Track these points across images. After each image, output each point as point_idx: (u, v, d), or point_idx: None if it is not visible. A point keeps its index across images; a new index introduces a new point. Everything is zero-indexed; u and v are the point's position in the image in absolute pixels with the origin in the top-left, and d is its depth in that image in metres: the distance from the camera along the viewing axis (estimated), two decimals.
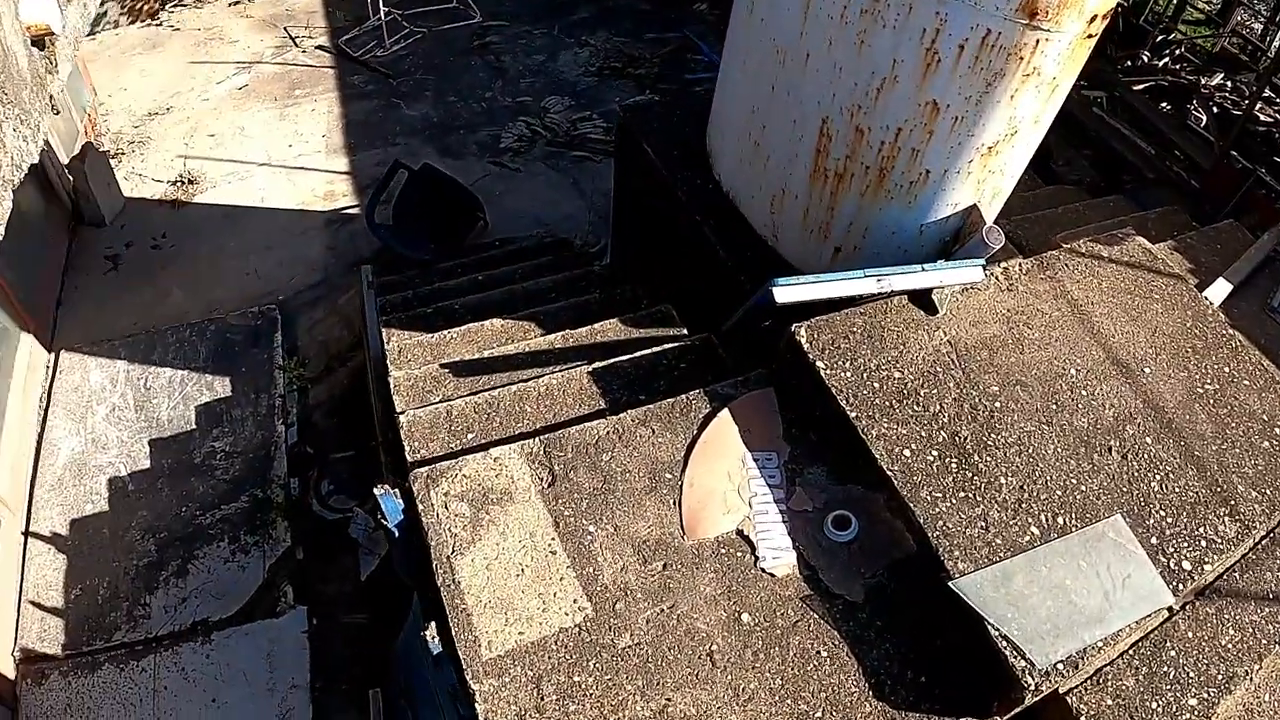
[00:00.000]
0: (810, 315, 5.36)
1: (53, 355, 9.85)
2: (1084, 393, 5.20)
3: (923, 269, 5.36)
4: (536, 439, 5.02)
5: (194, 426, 9.26)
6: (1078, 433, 5.00)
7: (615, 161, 8.79)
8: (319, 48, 14.91)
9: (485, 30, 15.07)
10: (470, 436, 5.42)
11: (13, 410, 8.88)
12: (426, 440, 5.44)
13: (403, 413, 5.62)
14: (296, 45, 15.06)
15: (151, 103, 13.82)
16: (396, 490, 4.83)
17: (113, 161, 12.38)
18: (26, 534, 8.26)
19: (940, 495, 4.62)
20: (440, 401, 5.92)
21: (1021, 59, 4.76)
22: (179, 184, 12.05)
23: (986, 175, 5.47)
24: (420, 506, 4.77)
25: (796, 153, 5.95)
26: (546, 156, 12.10)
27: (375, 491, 4.70)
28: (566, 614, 4.40)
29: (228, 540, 8.35)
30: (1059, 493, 4.71)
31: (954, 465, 4.73)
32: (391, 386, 6.27)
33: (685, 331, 6.63)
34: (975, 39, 4.71)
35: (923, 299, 5.56)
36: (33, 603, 7.80)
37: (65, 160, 11.24)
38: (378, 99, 13.46)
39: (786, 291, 5.07)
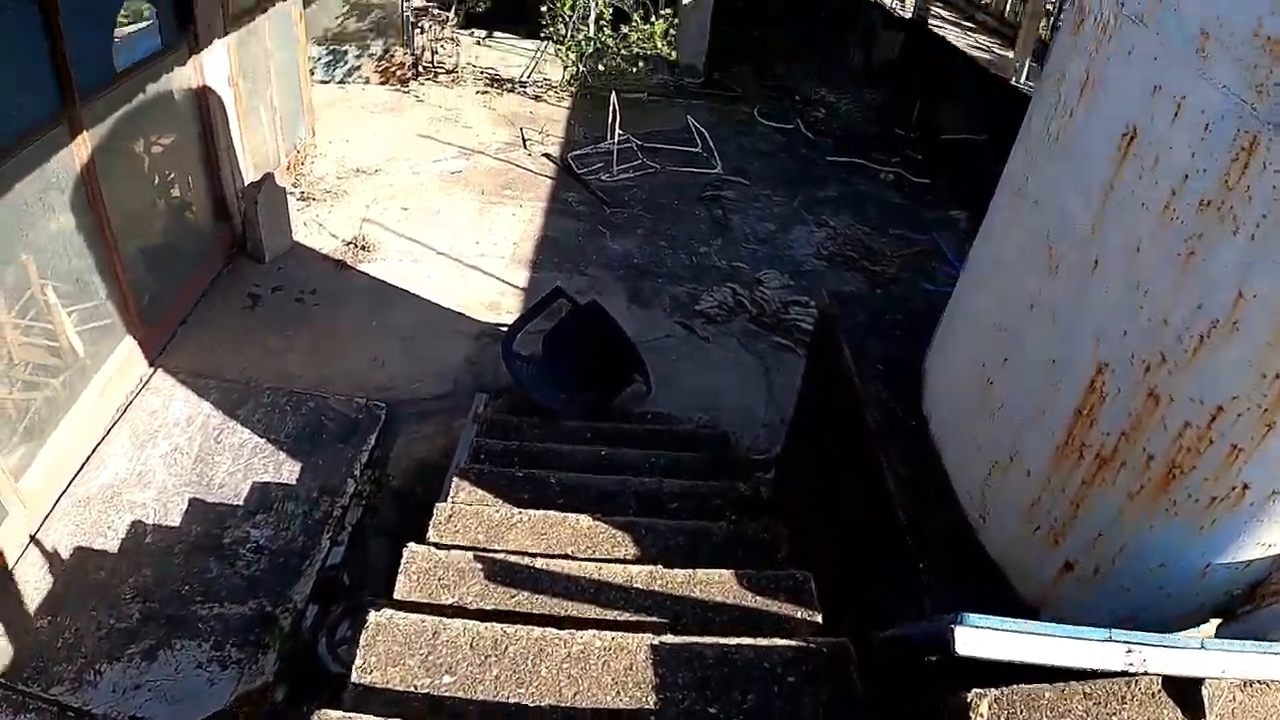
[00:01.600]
0: (1002, 678, 3.33)
1: (151, 370, 8.97)
2: None
3: (1202, 646, 3.24)
4: None
5: (241, 502, 7.93)
6: None
7: (807, 356, 7.04)
8: (546, 155, 13.93)
9: (721, 184, 13.75)
10: (446, 681, 3.59)
11: (83, 406, 8.09)
12: (386, 661, 3.66)
13: (379, 608, 3.88)
14: (525, 147, 14.18)
15: (364, 160, 13.22)
16: None
17: (301, 204, 11.67)
18: (33, 538, 7.26)
19: None
20: (449, 607, 4.16)
21: None
22: (352, 246, 11.12)
23: None
24: None
25: (1045, 408, 3.96)
26: (744, 334, 10.39)
27: None
28: None
29: (212, 644, 6.84)
30: None
31: None
32: (404, 560, 4.54)
33: (819, 619, 4.60)
34: None
35: (1186, 691, 3.43)
36: None
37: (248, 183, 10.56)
38: (584, 222, 12.21)
39: (978, 639, 3.04)
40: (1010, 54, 31.78)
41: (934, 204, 14.55)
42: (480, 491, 5.80)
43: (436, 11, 17.37)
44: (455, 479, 5.94)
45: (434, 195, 12.59)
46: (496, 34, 19.99)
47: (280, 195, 10.76)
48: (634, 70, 16.44)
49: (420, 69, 17.08)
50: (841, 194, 14.19)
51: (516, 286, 10.75)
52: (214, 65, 9.94)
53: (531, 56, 18.48)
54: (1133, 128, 3.40)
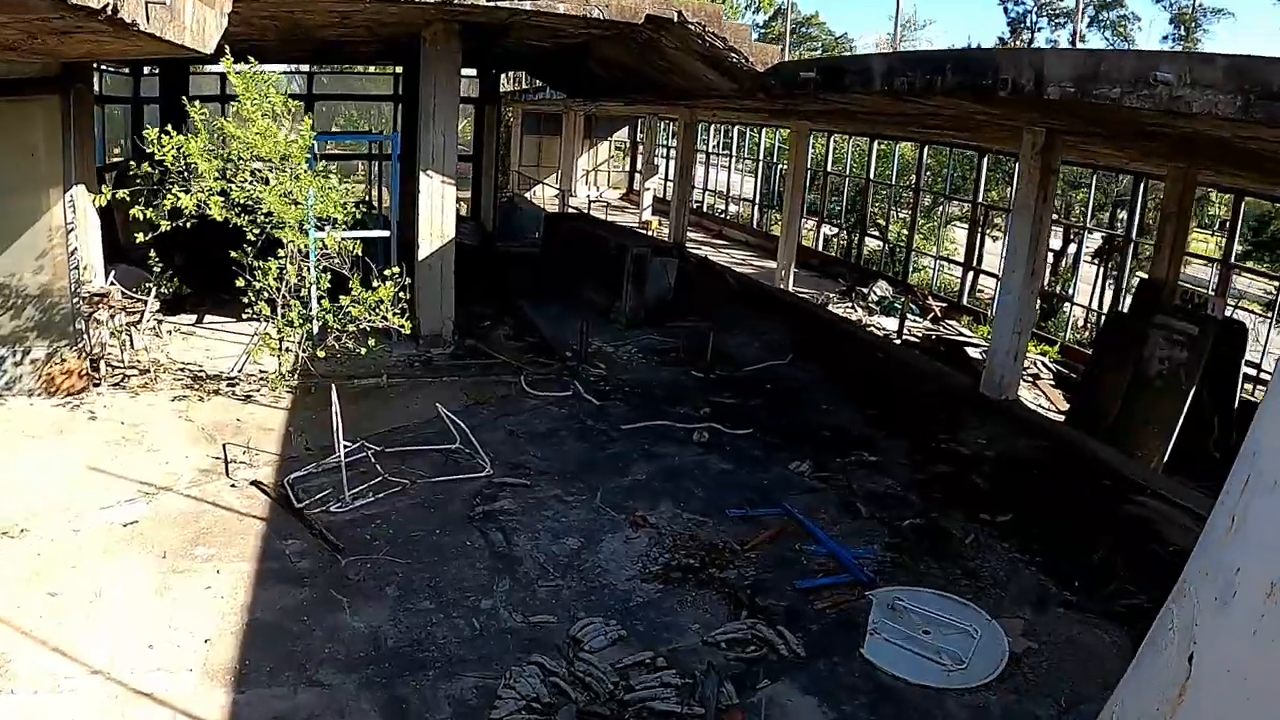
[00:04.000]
0: None
1: None
2: None
3: None
4: None
5: None
6: None
7: None
8: (255, 483, 10.34)
9: (495, 491, 10.39)
10: None
11: None
12: None
13: None
14: (228, 474, 10.55)
15: (7, 513, 9.40)
16: None
17: None
18: None
19: None
20: None
21: None
22: None
23: None
24: None
25: None
26: None
27: None
28: None
29: None
30: None
31: None
32: None
33: None
34: None
35: None
36: None
37: None
38: (310, 588, 8.45)
39: None
40: (773, 264, 30.76)
41: (766, 459, 11.81)
42: None
43: (120, 296, 13.80)
44: None
45: (96, 566, 8.67)
46: (210, 318, 16.48)
47: None
48: (363, 350, 13.10)
49: (103, 371, 13.31)
50: (652, 474, 11.12)
51: None
52: None
53: (246, 345, 14.98)
54: None
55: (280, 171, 12.70)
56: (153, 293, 14.45)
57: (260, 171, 12.69)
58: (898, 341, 20.95)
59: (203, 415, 12.44)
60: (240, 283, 12.95)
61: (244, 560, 8.86)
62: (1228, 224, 32.36)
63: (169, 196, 12.10)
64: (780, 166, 40.15)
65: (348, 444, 10.28)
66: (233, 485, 10.36)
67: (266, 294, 13.08)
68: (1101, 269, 29.70)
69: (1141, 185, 23.11)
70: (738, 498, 10.60)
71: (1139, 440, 16.25)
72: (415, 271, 15.21)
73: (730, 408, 13.65)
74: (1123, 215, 31.08)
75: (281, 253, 13.04)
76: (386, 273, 13.04)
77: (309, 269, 13.49)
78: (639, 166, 46.89)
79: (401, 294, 13.04)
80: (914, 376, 16.22)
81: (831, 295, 28.40)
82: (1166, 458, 16.07)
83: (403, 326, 13.11)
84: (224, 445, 11.28)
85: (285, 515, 9.70)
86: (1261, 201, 24.67)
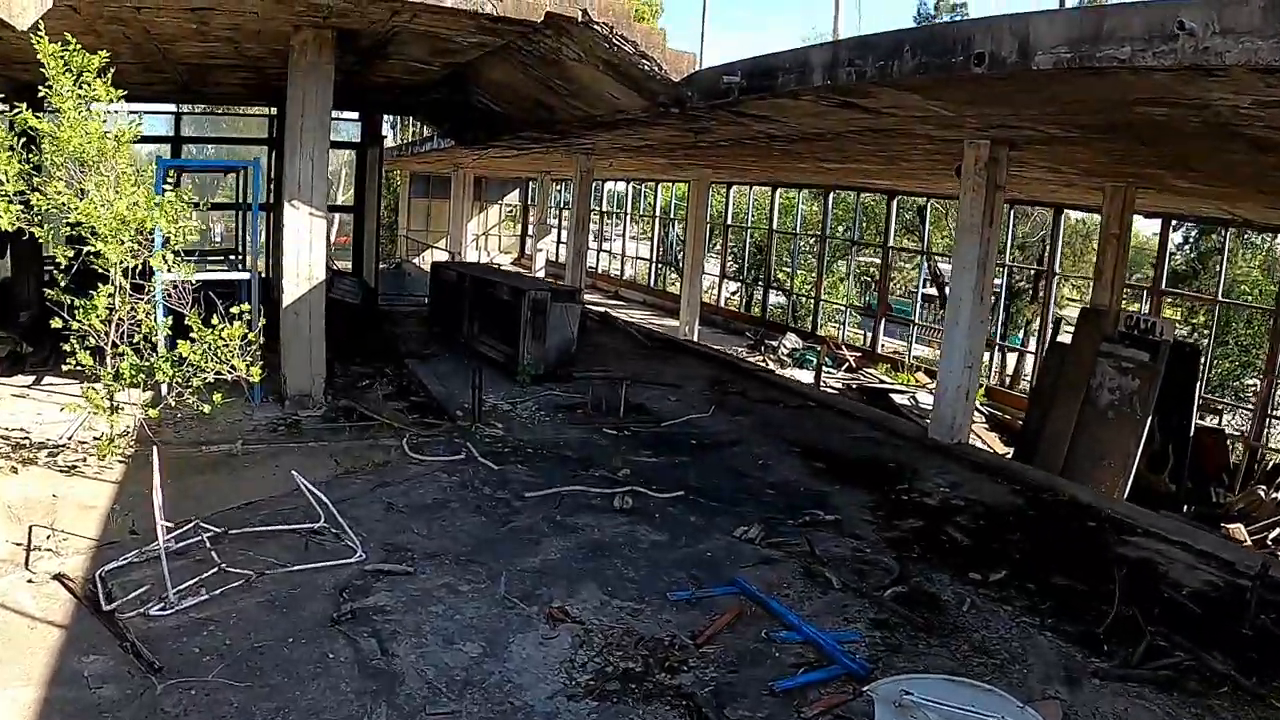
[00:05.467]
0: None
1: None
2: None
3: None
4: None
5: None
6: None
7: None
8: (58, 577, 7.96)
9: (368, 583, 8.07)
10: None
11: None
12: None
13: None
14: (28, 565, 8.17)
15: None
16: None
17: None
18: None
19: None
20: None
21: None
22: None
23: None
24: None
25: None
26: None
27: None
28: None
29: None
30: None
31: None
32: None
33: None
34: None
35: None
36: None
37: None
38: None
39: None
40: (673, 321, 29.33)
41: (705, 526, 9.88)
42: None
43: None
44: None
45: None
46: (51, 379, 14.18)
47: None
48: (207, 407, 10.79)
49: None
50: (568, 552, 8.99)
51: None
52: None
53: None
54: None
55: (99, 174, 10.44)
56: None
57: (78, 181, 10.42)
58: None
59: (12, 491, 9.96)
60: (57, 324, 10.65)
61: (28, 684, 6.47)
62: (1151, 252, 32.01)
63: None
64: (678, 224, 39.22)
65: (168, 524, 7.96)
66: (30, 580, 7.97)
67: (94, 337, 10.75)
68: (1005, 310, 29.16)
69: (1060, 218, 22.31)
70: (679, 576, 8.53)
71: (1096, 477, 14.90)
72: (281, 320, 13.06)
73: (653, 468, 11.70)
74: (1020, 259, 30.76)
75: (106, 288, 10.72)
76: (234, 310, 10.78)
77: (147, 307, 11.16)
78: (530, 230, 45.58)
79: (253, 336, 10.82)
80: (855, 424, 14.59)
81: (740, 349, 26.98)
82: (1126, 494, 14.82)
83: (253, 375, 10.87)
84: (30, 528, 8.89)
85: (92, 620, 7.37)
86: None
